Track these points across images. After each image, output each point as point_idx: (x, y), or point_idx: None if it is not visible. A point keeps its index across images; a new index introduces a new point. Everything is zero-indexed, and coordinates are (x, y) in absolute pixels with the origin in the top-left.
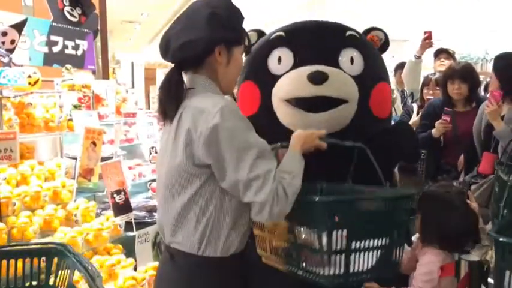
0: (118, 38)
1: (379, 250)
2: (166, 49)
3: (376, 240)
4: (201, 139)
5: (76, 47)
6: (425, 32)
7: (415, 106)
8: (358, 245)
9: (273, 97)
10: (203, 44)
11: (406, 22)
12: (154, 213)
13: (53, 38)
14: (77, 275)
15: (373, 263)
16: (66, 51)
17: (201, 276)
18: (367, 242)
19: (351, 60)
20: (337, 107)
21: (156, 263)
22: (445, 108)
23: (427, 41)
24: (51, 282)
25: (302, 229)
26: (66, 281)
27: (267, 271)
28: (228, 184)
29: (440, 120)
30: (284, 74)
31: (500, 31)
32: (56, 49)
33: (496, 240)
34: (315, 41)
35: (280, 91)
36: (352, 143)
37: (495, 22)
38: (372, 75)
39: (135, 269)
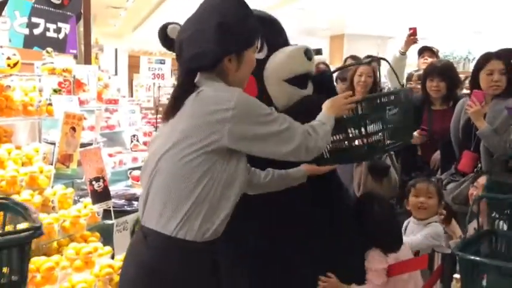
0: (102, 23)
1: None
2: (179, 54)
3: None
4: (226, 119)
5: (58, 30)
6: (410, 29)
7: None
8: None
9: (268, 80)
10: (212, 56)
11: (391, 19)
12: (134, 202)
13: (34, 19)
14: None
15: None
16: (48, 34)
17: (171, 258)
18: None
19: None
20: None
21: None
22: (422, 128)
23: (411, 37)
24: None
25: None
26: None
27: (237, 261)
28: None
29: (418, 131)
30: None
31: (485, 33)
32: (37, 31)
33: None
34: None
35: (279, 71)
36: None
37: (480, 23)
38: None
39: (113, 257)
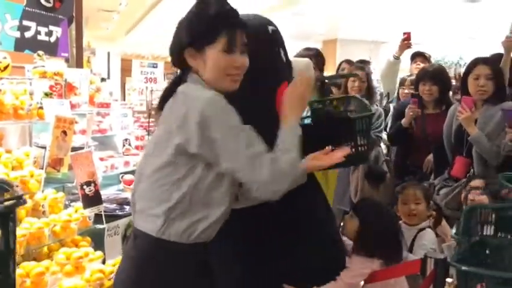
0: (95, 27)
1: None
2: None
3: None
4: (191, 125)
5: (49, 34)
6: (404, 33)
7: (391, 106)
8: None
9: None
10: (171, 52)
11: (384, 24)
12: (126, 206)
13: (26, 23)
14: None
15: None
16: (39, 37)
17: (156, 259)
18: None
19: None
20: None
21: None
22: (412, 93)
23: (405, 42)
24: None
25: None
26: None
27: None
28: (224, 168)
29: (408, 106)
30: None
31: (478, 38)
32: (28, 34)
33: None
34: None
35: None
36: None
37: (472, 29)
38: None
39: (104, 262)
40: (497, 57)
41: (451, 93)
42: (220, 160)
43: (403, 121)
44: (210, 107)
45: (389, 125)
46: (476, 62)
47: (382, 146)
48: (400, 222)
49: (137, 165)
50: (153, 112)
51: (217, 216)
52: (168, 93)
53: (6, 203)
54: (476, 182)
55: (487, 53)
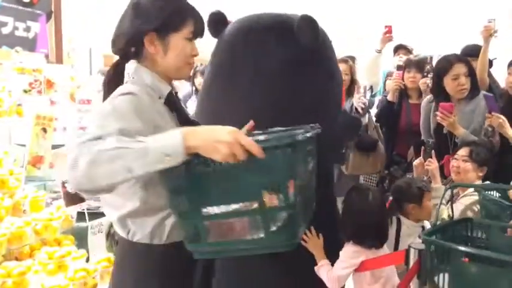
0: (76, 22)
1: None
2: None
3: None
4: None
5: (27, 29)
6: (385, 26)
7: (376, 100)
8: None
9: None
10: (126, 37)
11: (367, 19)
12: None
13: (3, 18)
14: None
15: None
16: (17, 32)
17: (130, 261)
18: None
19: None
20: None
21: (110, 255)
22: (398, 65)
23: (387, 35)
24: None
25: None
26: None
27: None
28: None
29: (392, 77)
30: None
31: (456, 31)
32: (5, 30)
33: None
34: None
35: None
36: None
37: (452, 22)
38: None
39: (87, 260)
40: (466, 52)
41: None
42: None
43: (388, 96)
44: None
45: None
46: (452, 61)
47: (372, 112)
48: (404, 219)
49: None
50: None
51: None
52: (107, 88)
53: None
54: (463, 151)
55: (457, 47)
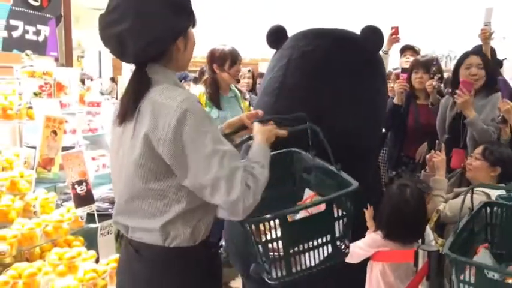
0: (85, 26)
1: (322, 247)
2: (122, 51)
3: (315, 241)
4: (163, 138)
5: (37, 33)
6: (392, 27)
7: None
8: (296, 249)
9: None
10: (170, 38)
11: (373, 20)
12: None
13: (13, 22)
14: None
15: (317, 258)
16: (27, 36)
17: (169, 267)
18: (305, 245)
19: None
20: None
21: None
22: (402, 68)
23: (393, 36)
24: None
25: None
26: None
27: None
28: (191, 185)
29: (398, 81)
30: None
31: (465, 31)
32: (15, 34)
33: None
34: None
35: None
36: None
37: (460, 22)
38: None
39: (97, 261)
40: (477, 50)
41: (442, 85)
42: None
43: (395, 99)
44: (187, 120)
45: None
46: (467, 54)
47: None
48: None
49: (117, 173)
50: None
51: (215, 209)
52: (139, 92)
53: None
54: (478, 149)
55: (465, 47)
